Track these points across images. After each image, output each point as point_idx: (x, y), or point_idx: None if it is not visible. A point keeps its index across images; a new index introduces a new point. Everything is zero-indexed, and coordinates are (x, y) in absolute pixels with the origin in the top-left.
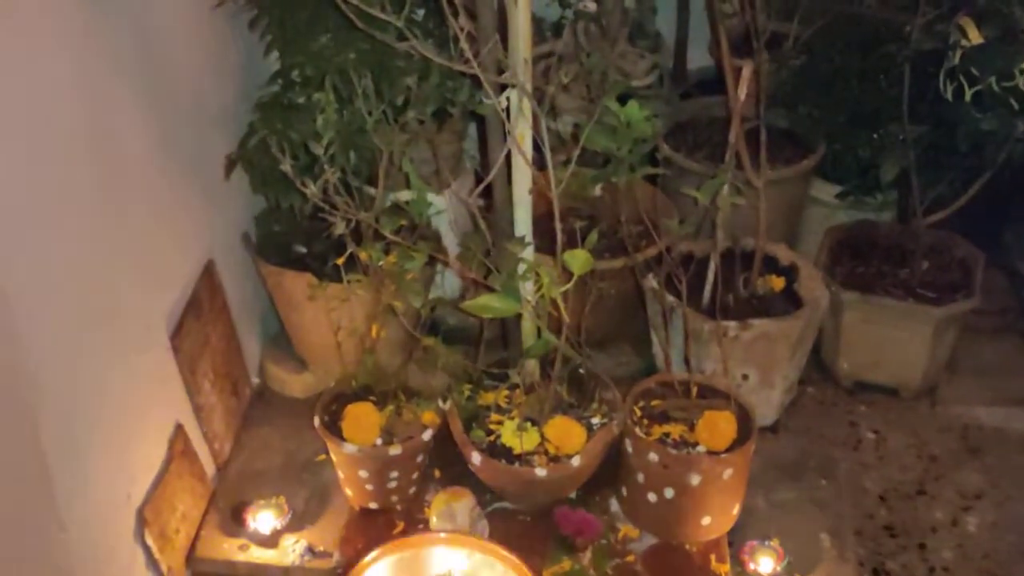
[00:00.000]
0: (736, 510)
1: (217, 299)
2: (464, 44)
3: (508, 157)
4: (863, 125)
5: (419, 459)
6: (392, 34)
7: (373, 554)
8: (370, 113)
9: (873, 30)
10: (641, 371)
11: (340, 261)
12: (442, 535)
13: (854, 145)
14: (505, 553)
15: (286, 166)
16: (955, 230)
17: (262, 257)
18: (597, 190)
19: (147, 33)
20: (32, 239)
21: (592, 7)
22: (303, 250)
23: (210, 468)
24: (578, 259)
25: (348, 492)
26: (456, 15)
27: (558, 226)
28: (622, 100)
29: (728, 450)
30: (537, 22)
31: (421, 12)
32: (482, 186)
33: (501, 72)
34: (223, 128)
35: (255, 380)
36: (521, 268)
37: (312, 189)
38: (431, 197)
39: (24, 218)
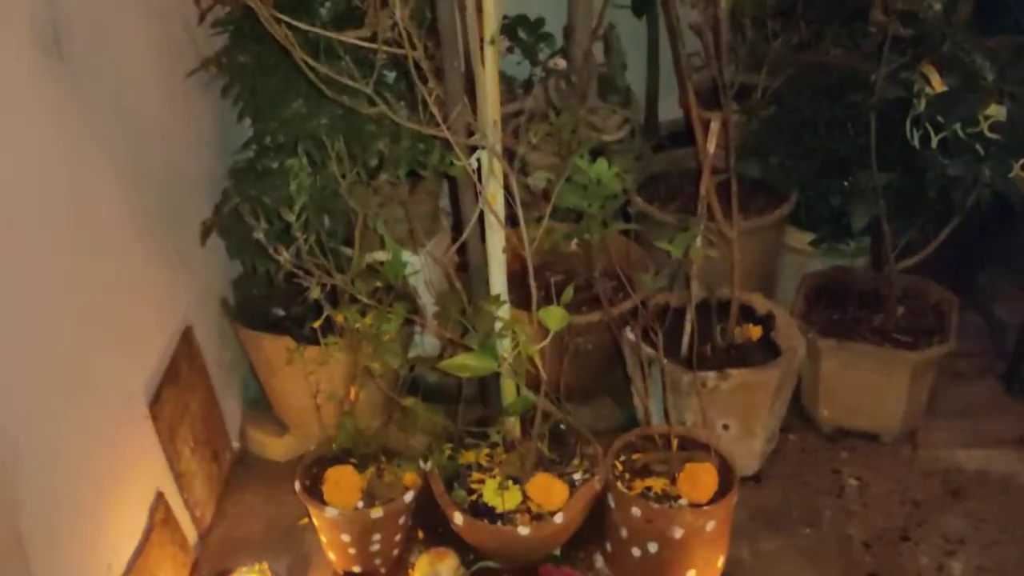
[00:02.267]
0: (721, 562)
1: (196, 365)
2: (433, 108)
3: (481, 216)
4: (833, 173)
5: (401, 521)
6: (362, 99)
7: None
8: (343, 176)
9: (840, 79)
10: (622, 424)
11: (317, 324)
12: None
13: (825, 193)
14: None
15: (259, 233)
16: (930, 275)
17: (240, 321)
18: (572, 245)
19: (122, 104)
20: (5, 311)
21: (562, 64)
22: (281, 313)
23: (192, 535)
24: (554, 315)
25: (331, 556)
26: (425, 80)
27: (532, 283)
28: (594, 156)
29: (710, 502)
30: (508, 80)
31: (392, 75)
32: (456, 246)
33: (471, 134)
34: (199, 194)
35: (236, 444)
36: (498, 326)
37: (285, 256)
38: (406, 257)
39: None
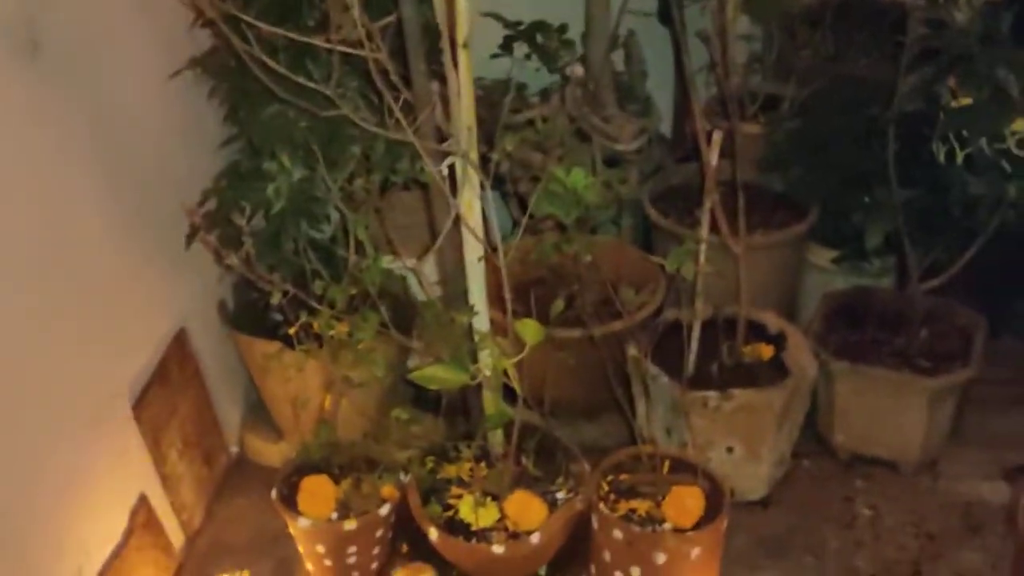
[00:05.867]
0: None
1: (188, 368)
2: (398, 113)
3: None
4: (855, 188)
5: (378, 534)
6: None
7: None
8: (335, 181)
9: (868, 92)
10: (629, 441)
11: (292, 331)
12: None
13: (846, 209)
14: None
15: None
16: (964, 298)
17: (236, 325)
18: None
19: (110, 101)
20: None
21: (580, 72)
22: (279, 318)
23: (178, 540)
24: (530, 329)
25: (309, 567)
26: (392, 86)
27: (507, 295)
28: (609, 165)
29: (696, 527)
30: (520, 88)
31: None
32: (427, 253)
33: (442, 140)
34: (196, 195)
35: (234, 449)
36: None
37: (233, 260)
38: (409, 263)
39: None
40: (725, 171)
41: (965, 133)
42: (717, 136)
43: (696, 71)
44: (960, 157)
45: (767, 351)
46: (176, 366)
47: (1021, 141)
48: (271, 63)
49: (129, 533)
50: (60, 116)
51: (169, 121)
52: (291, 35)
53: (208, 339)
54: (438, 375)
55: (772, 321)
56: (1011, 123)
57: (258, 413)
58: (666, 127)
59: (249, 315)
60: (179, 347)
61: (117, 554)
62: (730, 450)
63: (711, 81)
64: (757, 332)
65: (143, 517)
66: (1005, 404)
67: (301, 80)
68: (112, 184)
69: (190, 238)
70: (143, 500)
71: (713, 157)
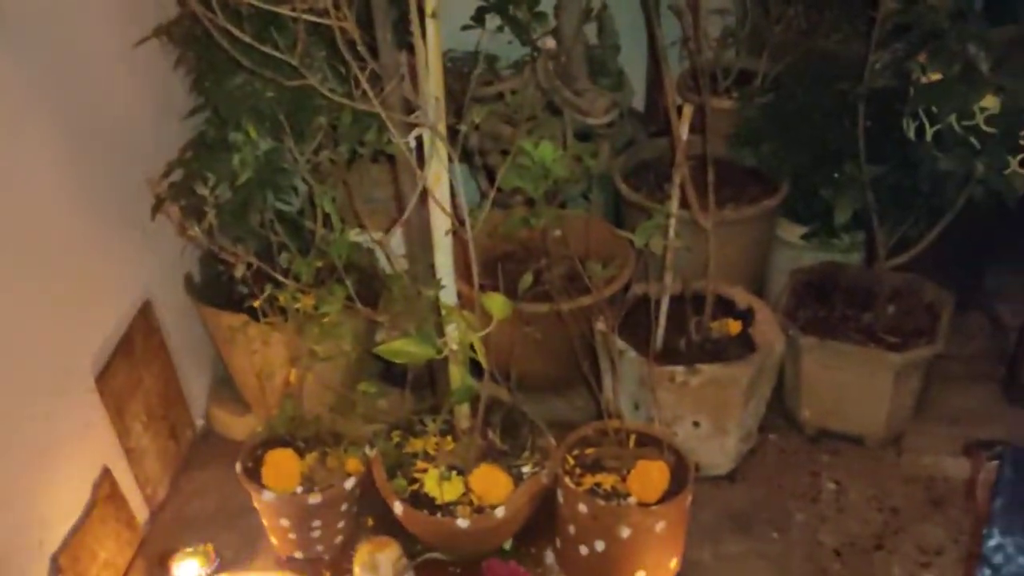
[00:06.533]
0: (674, 564)
1: (153, 340)
2: (365, 83)
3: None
4: (825, 164)
5: (343, 508)
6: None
7: None
8: (290, 151)
9: (840, 67)
10: (596, 416)
11: (257, 304)
12: None
13: (816, 185)
14: None
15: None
16: (935, 274)
17: (202, 298)
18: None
19: (68, 71)
20: None
21: (552, 44)
22: (245, 291)
23: (143, 513)
24: (496, 303)
25: (273, 541)
26: (359, 56)
27: (474, 269)
28: (581, 139)
29: (660, 501)
30: (491, 60)
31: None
32: (394, 227)
33: (410, 112)
34: (159, 166)
35: (200, 422)
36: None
37: (196, 231)
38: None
39: None
40: (696, 146)
41: (935, 109)
42: (687, 110)
43: (669, 45)
44: (930, 133)
45: (735, 326)
46: (141, 338)
47: (990, 118)
48: (236, 32)
49: (92, 506)
50: (22, 85)
51: (134, 90)
52: (256, 3)
53: (174, 312)
54: (405, 349)
55: (740, 296)
56: (980, 99)
57: (224, 386)
58: (639, 101)
59: (215, 287)
60: (144, 319)
61: (79, 527)
62: (696, 425)
63: (684, 55)
64: (725, 307)
65: (106, 490)
66: (969, 380)
67: (267, 50)
68: (76, 155)
69: (155, 209)
70: (106, 473)
71: (683, 131)
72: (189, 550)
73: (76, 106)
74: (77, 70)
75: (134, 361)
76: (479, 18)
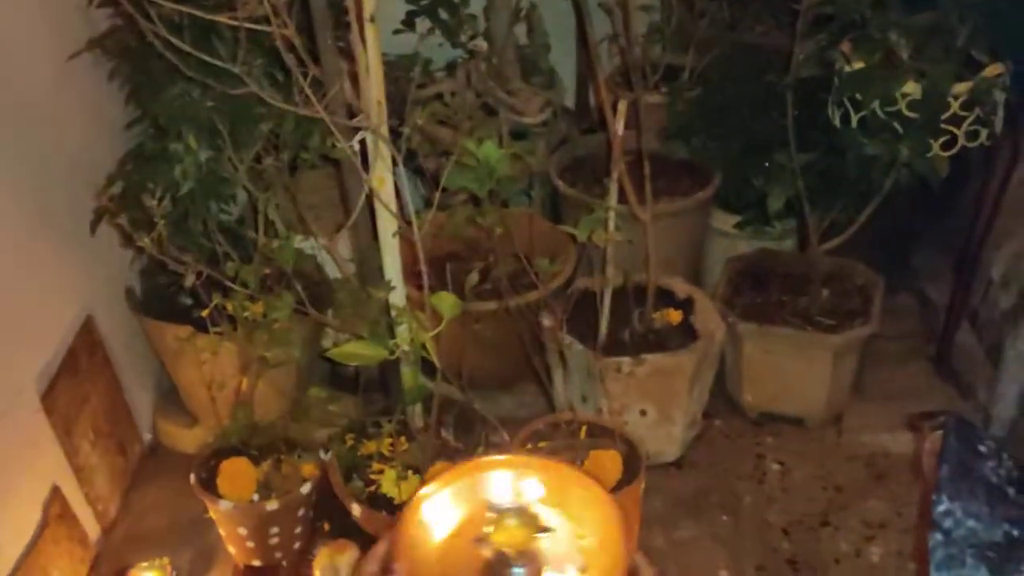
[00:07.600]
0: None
1: (97, 356)
2: (307, 89)
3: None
4: (755, 154)
5: (300, 513)
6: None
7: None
8: (231, 160)
9: (765, 59)
10: (545, 411)
11: (205, 313)
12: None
13: (748, 175)
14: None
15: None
16: (863, 256)
17: (144, 311)
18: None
19: (8, 85)
20: None
21: (484, 46)
22: (189, 302)
23: (94, 531)
24: (446, 301)
25: (231, 550)
26: (301, 61)
27: (424, 269)
28: (516, 138)
29: (614, 489)
30: (425, 63)
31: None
32: (341, 231)
33: (352, 116)
34: (98, 180)
35: (147, 436)
36: (393, 313)
37: (146, 242)
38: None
39: None
40: (630, 140)
41: (859, 97)
42: (622, 106)
43: (598, 42)
44: (855, 120)
45: (676, 316)
46: (85, 355)
47: (912, 103)
48: (175, 41)
49: (43, 526)
50: None
51: (68, 104)
52: (195, 12)
53: (116, 326)
54: (357, 351)
55: (679, 287)
56: (902, 86)
57: (170, 399)
58: (570, 99)
59: (158, 300)
60: (87, 336)
61: (32, 548)
62: (644, 413)
63: (613, 53)
64: (666, 298)
65: (57, 509)
66: (902, 357)
67: (206, 58)
68: (9, 172)
69: (95, 224)
70: (56, 492)
71: (619, 126)
72: (144, 565)
73: (6, 123)
74: (6, 86)
75: (79, 378)
76: (410, 22)
